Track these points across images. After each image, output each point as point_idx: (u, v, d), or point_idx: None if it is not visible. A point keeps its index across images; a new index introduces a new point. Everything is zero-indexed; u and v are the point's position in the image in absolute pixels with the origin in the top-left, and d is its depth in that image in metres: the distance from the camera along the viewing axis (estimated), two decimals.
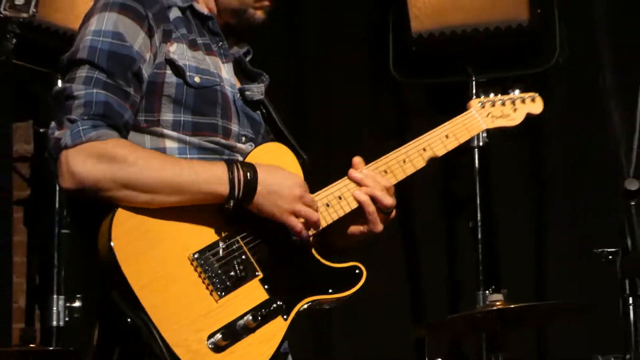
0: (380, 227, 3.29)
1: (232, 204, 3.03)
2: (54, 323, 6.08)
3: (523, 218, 6.44)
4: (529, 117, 3.62)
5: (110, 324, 3.04)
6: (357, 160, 3.30)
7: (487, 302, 5.33)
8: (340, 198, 3.25)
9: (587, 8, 5.77)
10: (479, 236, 6.14)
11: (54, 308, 6.09)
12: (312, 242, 3.19)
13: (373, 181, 3.28)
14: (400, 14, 6.38)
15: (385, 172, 3.34)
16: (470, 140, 6.05)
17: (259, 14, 3.34)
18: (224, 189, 3.01)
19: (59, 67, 3.16)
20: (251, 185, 3.03)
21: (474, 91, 6.27)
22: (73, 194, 3.01)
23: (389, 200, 3.27)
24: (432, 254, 6.50)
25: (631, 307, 2.78)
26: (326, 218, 3.22)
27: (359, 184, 3.27)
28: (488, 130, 3.74)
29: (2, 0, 4.64)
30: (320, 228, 3.19)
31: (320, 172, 3.21)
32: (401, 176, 3.35)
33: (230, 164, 3.04)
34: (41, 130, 6.37)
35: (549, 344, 6.21)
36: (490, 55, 6.38)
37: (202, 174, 3.01)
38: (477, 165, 6.20)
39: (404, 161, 3.36)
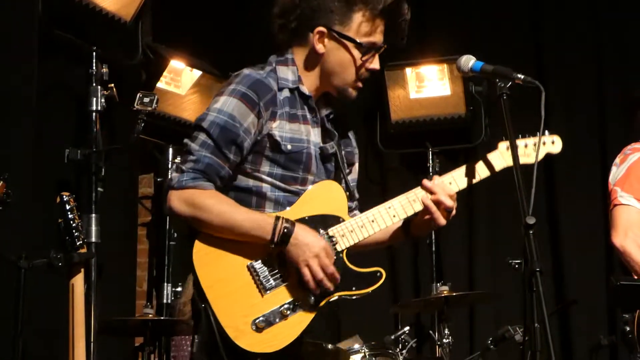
0: (443, 221, 3.05)
1: (272, 247, 2.90)
2: (164, 301, 6.09)
3: (463, 237, 6.38)
4: (549, 156, 3.23)
5: (194, 308, 3.01)
6: (429, 180, 3.06)
7: (438, 291, 5.37)
8: (373, 221, 3.01)
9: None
10: (433, 249, 6.09)
11: (165, 291, 6.10)
12: (344, 252, 2.98)
13: (440, 189, 3.04)
14: (384, 107, 6.36)
15: (450, 183, 3.09)
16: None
17: (354, 93, 3.14)
18: (268, 236, 2.89)
19: (195, 122, 3.01)
20: (287, 235, 2.89)
21: (430, 157, 6.26)
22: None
23: (450, 202, 3.04)
24: (404, 258, 6.43)
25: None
26: (358, 236, 2.99)
27: (430, 191, 3.03)
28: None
29: (135, 99, 4.68)
30: (349, 245, 2.98)
31: None
32: (456, 189, 3.09)
33: (278, 218, 2.90)
34: (158, 179, 6.44)
35: (477, 318, 6.18)
36: (441, 135, 6.35)
37: (255, 226, 2.90)
38: None
39: (450, 183, 3.09)
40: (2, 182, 3.52)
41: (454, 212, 3.09)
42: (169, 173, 3.06)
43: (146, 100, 4.62)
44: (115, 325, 5.01)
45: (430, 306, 5.44)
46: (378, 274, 3.01)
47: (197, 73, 6.14)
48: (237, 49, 6.38)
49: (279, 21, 3.11)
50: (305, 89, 3.08)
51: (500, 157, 3.17)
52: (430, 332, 5.51)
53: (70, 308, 3.58)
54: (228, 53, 6.40)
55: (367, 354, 4.79)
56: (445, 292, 5.16)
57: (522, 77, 3.12)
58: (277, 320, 2.89)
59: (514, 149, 3.01)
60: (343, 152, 3.20)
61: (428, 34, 6.53)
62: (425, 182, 3.07)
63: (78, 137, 4.89)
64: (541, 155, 3.17)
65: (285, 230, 2.89)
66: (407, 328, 5.10)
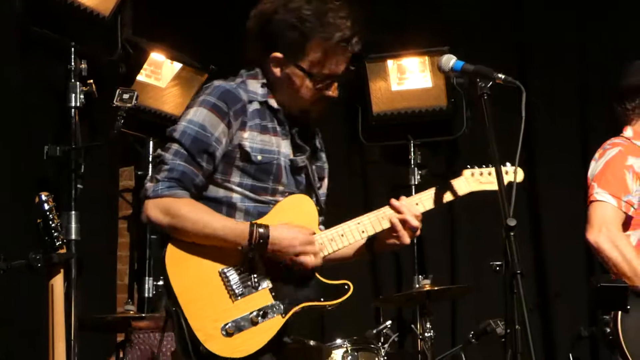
0: (407, 240, 3.18)
1: (250, 254, 2.98)
2: (146, 295, 6.07)
3: (443, 233, 6.39)
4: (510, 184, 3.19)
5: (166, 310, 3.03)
6: (398, 200, 3.17)
7: (420, 284, 5.37)
8: (342, 235, 3.11)
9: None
10: (414, 241, 6.00)
11: (146, 285, 6.08)
12: (318, 263, 3.05)
13: (407, 209, 3.16)
14: (365, 100, 6.33)
15: (417, 204, 3.21)
16: (410, 179, 6.17)
17: (316, 113, 3.20)
18: (245, 243, 2.96)
19: (167, 133, 3.08)
20: (263, 242, 2.96)
21: (411, 150, 6.27)
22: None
23: (415, 222, 3.16)
24: (385, 254, 6.37)
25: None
26: (328, 249, 3.09)
27: (397, 210, 3.14)
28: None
29: (114, 96, 4.64)
30: (324, 256, 3.07)
31: None
32: (422, 209, 3.22)
33: (252, 225, 2.97)
34: (139, 172, 6.40)
35: (458, 311, 6.19)
36: (422, 127, 6.34)
37: (231, 232, 2.97)
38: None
39: (417, 204, 3.21)
40: None
41: (418, 232, 3.21)
42: (145, 181, 3.07)
43: (126, 96, 4.58)
44: (96, 322, 4.97)
45: (412, 300, 5.44)
46: (346, 287, 3.09)
47: (178, 66, 6.10)
48: (218, 41, 6.34)
49: (248, 41, 3.18)
50: (274, 102, 3.14)
51: (465, 183, 3.33)
52: (412, 326, 5.51)
53: (50, 308, 3.55)
54: (209, 45, 6.35)
55: (349, 348, 4.80)
56: (427, 286, 5.16)
57: (503, 77, 3.13)
58: (247, 326, 2.95)
59: (494, 153, 3.04)
60: (314, 167, 3.25)
61: (409, 26, 6.53)
62: (393, 201, 3.18)
63: (57, 134, 4.86)
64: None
65: (261, 233, 2.96)
66: (389, 322, 5.11)
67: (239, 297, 2.96)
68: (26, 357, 4.44)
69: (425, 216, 6.06)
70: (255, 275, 3.00)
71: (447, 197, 3.32)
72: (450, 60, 3.25)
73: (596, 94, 6.14)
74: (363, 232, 3.14)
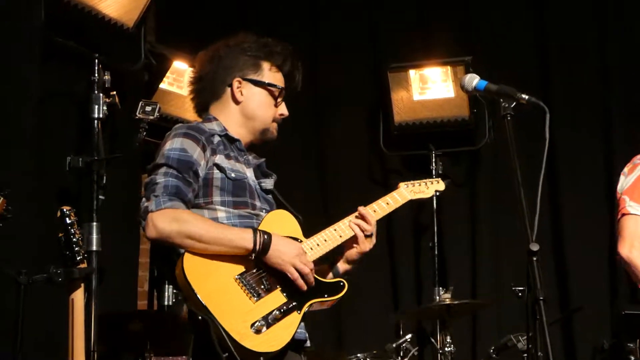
0: (368, 246, 3.43)
1: (252, 256, 3.16)
2: (165, 302, 6.07)
3: (464, 245, 6.36)
4: (437, 192, 3.77)
5: (193, 322, 3.11)
6: (363, 208, 3.43)
7: (440, 298, 5.34)
8: (325, 240, 3.36)
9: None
10: (436, 252, 6.08)
11: (166, 293, 6.08)
12: (310, 280, 3.25)
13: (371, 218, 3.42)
14: (388, 110, 6.33)
15: (374, 211, 3.48)
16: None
17: (274, 132, 3.48)
18: (250, 246, 3.15)
19: (148, 170, 3.29)
20: (266, 247, 3.17)
21: (433, 160, 6.26)
22: (155, 241, 3.17)
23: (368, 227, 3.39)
24: (405, 264, 6.40)
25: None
26: (317, 253, 3.34)
27: (363, 217, 3.40)
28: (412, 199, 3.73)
29: (137, 106, 4.65)
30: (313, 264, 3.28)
31: (332, 210, 3.16)
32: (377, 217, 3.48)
33: (256, 231, 3.17)
34: None
35: (479, 325, 6.13)
36: (445, 137, 6.31)
37: (237, 236, 3.15)
38: (434, 206, 6.17)
39: (374, 211, 3.49)
40: (2, 198, 3.49)
41: (373, 238, 3.44)
42: (141, 204, 3.19)
43: (148, 108, 4.59)
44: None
45: (432, 314, 5.41)
46: (341, 284, 3.35)
47: None
48: None
49: (196, 86, 3.51)
50: (232, 134, 3.41)
51: (405, 193, 3.66)
52: (432, 339, 5.48)
53: (70, 323, 3.55)
54: None
55: None
56: (447, 299, 5.13)
57: (527, 97, 3.11)
58: (272, 323, 3.13)
59: (514, 171, 3.01)
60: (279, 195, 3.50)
61: (432, 36, 6.52)
62: (361, 209, 3.45)
63: (80, 145, 4.86)
64: (432, 192, 3.72)
65: (265, 240, 3.16)
66: (409, 336, 5.10)
67: (259, 298, 3.14)
68: None
69: (447, 226, 6.17)
70: (265, 279, 3.19)
71: (394, 205, 3.60)
72: (473, 80, 3.24)
73: (619, 105, 6.09)
74: (340, 236, 3.39)
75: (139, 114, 4.58)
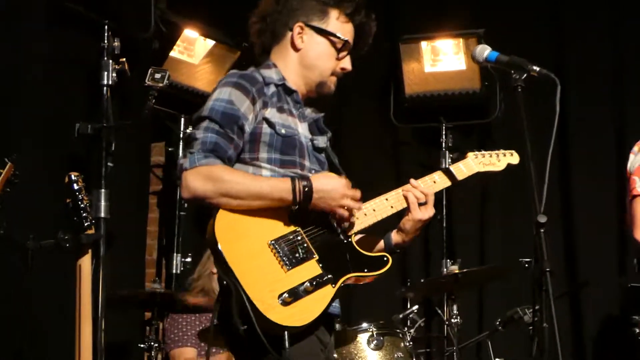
0: (423, 215, 3.22)
1: (296, 207, 3.00)
2: (174, 271, 6.10)
3: (473, 218, 6.34)
4: (510, 166, 3.54)
5: (220, 284, 3.07)
6: (414, 181, 3.24)
7: (448, 270, 5.35)
8: (374, 210, 3.17)
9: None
10: (444, 225, 6.07)
11: (174, 261, 6.10)
12: (353, 236, 3.10)
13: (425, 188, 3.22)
14: (398, 81, 6.29)
15: (434, 182, 3.30)
16: (440, 162, 6.11)
17: (332, 86, 3.28)
18: (289, 197, 2.98)
19: (192, 121, 3.17)
20: (308, 193, 2.98)
21: (443, 133, 6.21)
22: (190, 201, 3.06)
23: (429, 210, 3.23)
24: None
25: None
26: (364, 223, 3.14)
27: (416, 188, 3.20)
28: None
29: (147, 74, 4.61)
30: (358, 229, 3.11)
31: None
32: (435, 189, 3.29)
33: (293, 179, 2.99)
34: (170, 149, 6.43)
35: (486, 297, 6.13)
36: (455, 110, 6.27)
37: (275, 187, 2.98)
38: None
39: (435, 182, 3.30)
40: (10, 163, 3.50)
41: (429, 208, 3.25)
42: (178, 160, 3.06)
43: (157, 76, 4.53)
44: (124, 299, 4.99)
45: (440, 286, 5.41)
46: (385, 259, 3.12)
47: (211, 42, 6.10)
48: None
49: (258, 26, 3.28)
50: (290, 84, 3.23)
51: (471, 164, 3.45)
52: (439, 311, 5.48)
53: (77, 289, 3.57)
54: (242, 22, 6.28)
55: (374, 332, 4.79)
56: (455, 270, 5.13)
57: (538, 69, 3.11)
58: (302, 295, 2.94)
59: (524, 142, 3.01)
60: (332, 155, 3.32)
61: (445, 8, 6.45)
62: (413, 181, 3.25)
63: (89, 112, 4.85)
64: (503, 165, 3.52)
65: (305, 187, 2.98)
66: (415, 307, 5.10)
67: (291, 267, 2.96)
68: (53, 336, 4.47)
69: (456, 199, 6.15)
70: (301, 247, 3.01)
71: (458, 177, 3.39)
72: (484, 51, 3.24)
73: (632, 81, 6.06)
74: (392, 207, 3.20)
75: (148, 81, 4.53)
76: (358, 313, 5.79)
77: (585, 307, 5.92)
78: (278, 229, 3.01)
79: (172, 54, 5.94)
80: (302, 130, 3.20)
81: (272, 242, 2.98)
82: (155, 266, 6.58)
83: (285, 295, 2.91)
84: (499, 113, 6.19)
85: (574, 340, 5.91)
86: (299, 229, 3.03)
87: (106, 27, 4.77)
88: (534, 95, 3.42)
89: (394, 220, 3.27)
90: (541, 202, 2.87)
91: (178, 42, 5.96)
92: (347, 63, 3.27)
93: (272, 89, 3.17)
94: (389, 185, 3.33)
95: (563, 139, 6.07)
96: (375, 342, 4.76)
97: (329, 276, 3.00)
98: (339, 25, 3.23)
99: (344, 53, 3.25)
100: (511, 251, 5.88)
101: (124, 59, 4.69)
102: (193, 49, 6.10)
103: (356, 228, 3.13)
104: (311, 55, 3.23)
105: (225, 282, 2.93)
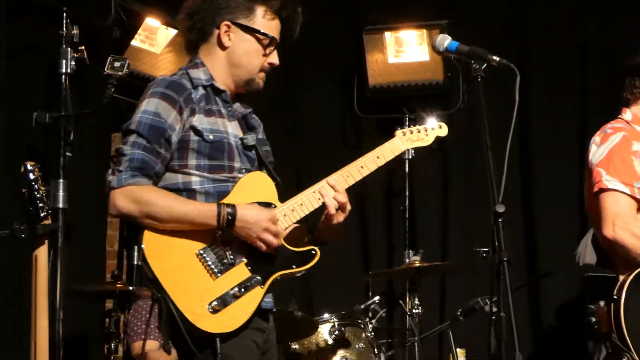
0: (341, 218, 3.23)
1: (219, 232, 3.07)
2: (135, 262, 6.04)
3: (436, 208, 6.38)
4: (438, 139, 3.57)
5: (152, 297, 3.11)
6: (331, 179, 3.23)
7: (410, 261, 5.35)
8: (301, 204, 3.21)
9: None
10: (406, 215, 6.09)
11: (135, 253, 6.04)
12: (279, 244, 3.15)
13: (340, 186, 3.22)
14: (362, 72, 6.29)
15: (362, 167, 3.32)
16: (403, 154, 6.10)
17: (260, 83, 3.33)
18: (213, 222, 3.05)
19: (122, 131, 3.20)
20: (231, 221, 3.05)
21: (406, 123, 6.16)
22: (117, 217, 3.19)
23: (344, 199, 3.22)
24: (377, 226, 6.41)
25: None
26: (292, 219, 3.20)
27: (332, 186, 3.20)
28: (409, 149, 3.61)
29: (105, 64, 4.56)
30: (284, 228, 3.18)
31: (305, 174, 3.11)
32: (345, 186, 3.26)
33: (220, 205, 3.06)
34: None
35: (448, 288, 6.17)
36: (418, 101, 6.21)
37: (200, 213, 3.05)
38: (407, 170, 6.17)
39: (347, 176, 3.28)
40: None
41: (344, 210, 3.23)
42: (107, 177, 3.14)
43: (117, 64, 4.47)
44: (83, 290, 4.94)
45: (402, 276, 5.42)
46: (313, 252, 3.19)
47: (173, 31, 6.03)
48: None
49: (186, 23, 3.32)
50: (219, 84, 3.27)
51: (400, 142, 3.45)
52: (401, 301, 5.49)
53: (33, 280, 3.51)
54: None
55: (336, 323, 4.79)
56: (416, 262, 5.14)
57: (498, 59, 3.12)
58: (231, 301, 3.04)
59: (484, 132, 3.00)
60: (263, 150, 3.35)
61: None
62: (329, 179, 3.25)
63: (48, 100, 4.80)
64: (432, 139, 3.53)
65: (229, 213, 3.04)
66: (377, 298, 5.09)
67: (219, 275, 3.04)
68: (8, 328, 4.41)
69: (419, 189, 6.16)
70: (230, 253, 3.09)
71: (387, 157, 3.38)
72: (445, 41, 3.24)
73: (596, 70, 6.09)
74: (319, 199, 3.22)
75: (107, 69, 4.47)
76: (320, 303, 5.79)
77: (545, 296, 5.97)
78: (204, 239, 3.08)
79: (134, 42, 5.87)
80: (232, 129, 3.26)
81: (200, 251, 3.06)
82: (116, 257, 6.51)
83: (215, 303, 3.01)
84: (462, 104, 6.22)
85: (533, 330, 5.95)
86: (227, 238, 3.09)
87: (65, 14, 4.72)
88: (498, 86, 3.44)
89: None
90: (499, 192, 2.87)
91: (140, 31, 5.89)
92: (274, 58, 3.31)
93: (201, 91, 3.22)
94: None
95: (526, 128, 6.11)
96: (336, 332, 4.76)
97: (257, 278, 3.10)
98: (265, 22, 3.28)
99: (271, 49, 3.29)
100: (474, 240, 5.90)
101: (83, 47, 4.64)
102: (155, 38, 6.04)
103: (284, 225, 3.19)
104: (238, 53, 3.28)
105: (155, 297, 3.02)
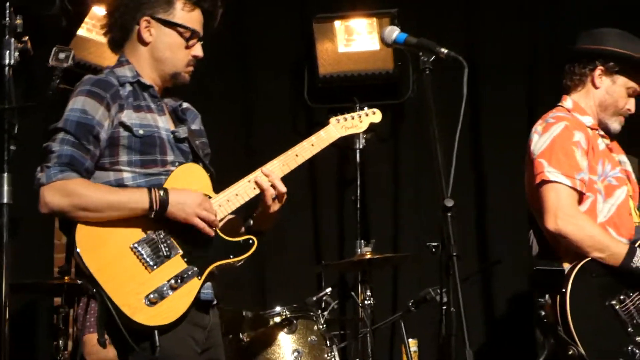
0: (277, 206, 3.25)
1: (153, 215, 3.04)
2: None
3: (387, 197, 6.36)
4: (372, 125, 3.59)
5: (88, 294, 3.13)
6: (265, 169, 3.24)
7: (362, 252, 5.35)
8: (237, 195, 3.22)
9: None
10: (358, 205, 6.06)
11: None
12: (217, 226, 3.15)
13: (275, 174, 3.23)
14: (312, 61, 6.28)
15: (296, 155, 3.31)
16: (355, 143, 6.10)
17: (187, 76, 3.31)
18: (146, 206, 3.03)
19: (48, 131, 3.19)
20: (164, 203, 3.04)
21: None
22: (48, 216, 3.10)
23: (283, 188, 3.23)
24: (328, 217, 6.37)
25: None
26: (227, 209, 3.21)
27: (267, 175, 3.21)
28: (347, 137, 3.56)
29: (50, 56, 4.49)
30: (220, 219, 3.17)
31: (257, 164, 3.07)
32: (280, 175, 3.26)
33: (150, 189, 3.05)
34: None
35: (400, 279, 6.17)
36: (369, 90, 6.26)
37: (132, 197, 3.04)
38: (358, 159, 6.15)
39: (283, 164, 3.29)
40: None
41: (285, 196, 3.26)
42: (36, 173, 3.11)
43: (62, 56, 4.42)
44: (31, 286, 4.87)
45: (345, 267, 5.41)
46: (250, 241, 3.21)
47: None
48: None
49: (107, 21, 3.32)
50: (145, 80, 3.26)
51: (334, 129, 3.48)
52: (353, 293, 5.49)
53: None
54: None
55: (287, 316, 4.76)
56: (368, 253, 5.13)
57: (446, 51, 3.11)
58: (168, 293, 3.03)
59: (431, 126, 2.99)
60: (197, 142, 3.34)
61: None
62: (264, 168, 3.26)
63: None
64: (366, 125, 3.56)
65: (161, 196, 3.04)
66: (329, 289, 5.07)
67: (155, 267, 3.03)
68: None
69: (370, 179, 6.16)
70: (164, 245, 3.07)
71: (321, 145, 3.41)
72: (393, 33, 3.23)
73: (544, 60, 6.12)
74: (254, 188, 3.23)
75: (52, 61, 4.42)
76: (271, 296, 5.76)
77: (496, 286, 6.01)
78: (138, 231, 3.07)
79: (80, 32, 5.79)
80: (163, 124, 3.23)
81: (134, 244, 3.04)
82: (65, 250, 6.41)
83: (151, 295, 3.00)
84: (412, 93, 6.25)
85: (485, 320, 5.99)
86: (161, 228, 3.08)
87: (7, 3, 4.61)
88: (448, 77, 3.43)
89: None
90: (448, 186, 2.85)
91: (86, 20, 5.80)
92: (198, 50, 3.30)
93: (128, 87, 3.21)
94: (303, 164, 3.34)
95: (475, 118, 6.13)
96: (288, 325, 4.73)
97: (194, 269, 3.09)
98: (185, 14, 3.26)
99: (193, 41, 3.28)
100: (425, 231, 5.92)
101: (27, 38, 4.54)
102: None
103: (221, 215, 3.19)
104: (160, 48, 3.26)
105: (90, 293, 2.98)
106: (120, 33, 3.29)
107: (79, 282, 4.95)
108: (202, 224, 3.09)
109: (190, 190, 3.13)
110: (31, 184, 4.99)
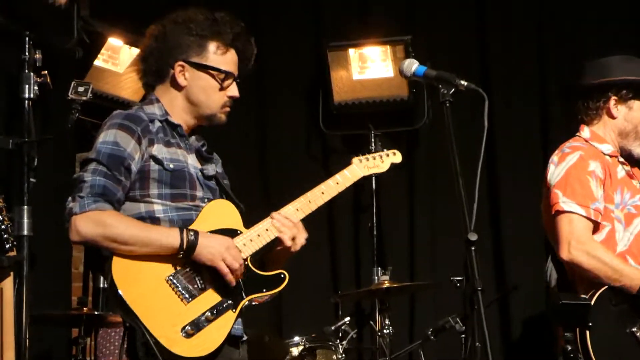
0: (296, 249, 3.27)
1: (181, 255, 3.05)
2: (101, 285, 5.96)
3: (404, 225, 6.34)
4: (393, 165, 3.66)
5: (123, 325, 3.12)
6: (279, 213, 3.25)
7: (379, 280, 5.33)
8: (259, 236, 3.21)
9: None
10: (374, 233, 6.07)
11: (101, 276, 5.96)
12: (248, 258, 3.18)
13: (289, 225, 3.23)
14: (327, 89, 6.28)
15: (297, 210, 3.29)
16: None
17: (223, 117, 3.34)
18: (176, 245, 3.04)
19: (80, 164, 3.23)
20: (193, 245, 3.05)
21: (372, 140, 6.18)
22: (79, 244, 3.12)
23: (301, 239, 3.26)
24: (345, 244, 6.37)
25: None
26: (251, 249, 3.20)
27: (279, 229, 3.22)
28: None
29: (69, 89, 4.51)
30: (244, 262, 3.16)
31: (273, 190, 3.09)
32: (308, 212, 3.30)
33: (182, 229, 3.06)
34: None
35: (417, 307, 6.14)
36: (384, 117, 6.28)
37: (162, 235, 3.05)
38: (374, 186, 6.16)
39: (310, 202, 3.31)
40: None
41: (298, 240, 3.27)
42: (66, 203, 3.12)
43: (80, 89, 4.42)
44: (50, 318, 4.86)
45: (371, 296, 5.39)
46: (282, 276, 3.23)
47: (136, 51, 5.95)
48: None
49: (140, 67, 3.35)
50: (174, 119, 3.28)
51: (357, 169, 3.52)
52: (371, 322, 5.47)
53: None
54: None
55: (306, 345, 4.75)
56: (385, 282, 5.11)
57: (466, 84, 3.09)
58: (204, 325, 3.04)
59: (453, 161, 2.97)
60: (225, 182, 3.37)
61: (372, 15, 6.47)
62: (275, 214, 3.26)
63: (10, 125, 4.71)
64: (387, 166, 3.64)
65: (191, 237, 3.05)
66: (347, 318, 5.07)
67: (190, 299, 3.05)
68: None
69: (386, 207, 6.15)
70: (199, 278, 3.09)
71: (346, 183, 3.45)
72: (412, 65, 3.22)
73: (554, 82, 6.12)
74: (274, 230, 3.23)
75: (71, 94, 4.42)
76: (289, 326, 5.74)
77: (514, 310, 5.97)
78: (173, 264, 3.08)
79: (97, 62, 5.83)
80: (192, 161, 3.26)
81: (169, 277, 3.06)
82: (82, 279, 6.43)
83: (188, 327, 3.01)
84: (427, 120, 6.24)
85: (502, 343, 5.95)
86: (195, 262, 3.09)
87: (27, 38, 4.64)
88: (462, 106, 3.41)
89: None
90: (471, 220, 2.83)
91: (102, 51, 5.85)
92: (233, 91, 3.31)
93: (157, 124, 3.23)
94: None
95: (491, 146, 6.11)
96: (308, 355, 4.72)
97: (228, 302, 3.11)
98: (218, 57, 3.28)
99: (228, 82, 3.29)
100: (441, 259, 5.90)
101: (46, 72, 4.56)
102: (118, 58, 6.00)
103: (245, 254, 3.18)
104: (195, 91, 3.27)
105: (128, 324, 3.01)
106: (154, 78, 3.32)
107: (96, 312, 4.96)
108: (226, 270, 3.10)
109: (218, 235, 3.14)
110: (43, 213, 5.04)
